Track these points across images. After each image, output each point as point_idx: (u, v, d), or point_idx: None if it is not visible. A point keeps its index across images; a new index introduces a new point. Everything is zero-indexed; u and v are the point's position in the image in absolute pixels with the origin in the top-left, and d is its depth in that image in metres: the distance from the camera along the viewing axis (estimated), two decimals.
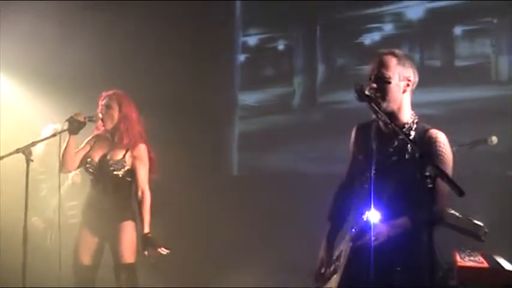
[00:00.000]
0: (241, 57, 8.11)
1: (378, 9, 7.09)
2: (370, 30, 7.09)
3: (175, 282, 6.36)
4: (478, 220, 4.53)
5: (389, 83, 3.25)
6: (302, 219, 6.13)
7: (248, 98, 8.02)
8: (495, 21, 6.38)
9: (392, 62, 3.28)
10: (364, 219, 3.27)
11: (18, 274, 4.28)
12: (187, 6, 7.55)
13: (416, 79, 3.37)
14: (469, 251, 4.50)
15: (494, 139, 4.94)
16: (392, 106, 3.26)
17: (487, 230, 4.48)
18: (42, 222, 5.95)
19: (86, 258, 4.83)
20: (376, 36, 7.06)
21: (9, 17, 6.47)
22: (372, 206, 3.22)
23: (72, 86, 6.56)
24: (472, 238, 4.50)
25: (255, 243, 6.72)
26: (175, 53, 7.50)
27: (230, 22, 8.19)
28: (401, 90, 3.28)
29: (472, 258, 4.35)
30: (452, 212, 4.44)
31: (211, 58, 7.93)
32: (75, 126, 4.61)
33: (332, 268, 3.47)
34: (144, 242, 4.71)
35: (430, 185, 2.59)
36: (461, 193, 2.48)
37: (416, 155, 2.77)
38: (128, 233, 4.81)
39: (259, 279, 6.45)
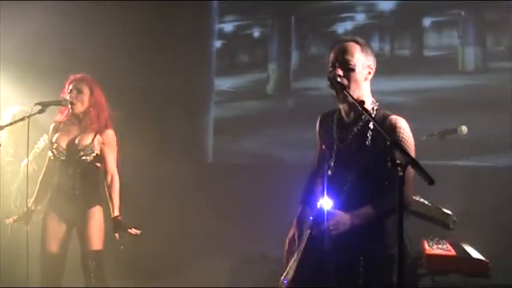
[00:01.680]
0: (217, 44, 8.05)
1: (350, 0, 7.12)
2: (342, 20, 7.09)
3: (145, 269, 6.24)
4: (446, 208, 4.50)
5: (354, 70, 3.16)
6: (274, 207, 5.97)
7: (223, 84, 7.96)
8: (462, 13, 6.43)
9: (356, 49, 3.19)
10: (318, 207, 3.20)
11: None
12: None
13: (375, 63, 3.28)
14: (437, 239, 4.47)
15: (464, 129, 4.82)
16: (356, 94, 3.14)
17: (455, 219, 4.46)
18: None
19: (54, 246, 4.64)
20: (348, 25, 7.07)
21: None
22: (325, 193, 3.16)
23: (40, 70, 6.24)
24: (441, 226, 4.48)
25: (227, 231, 6.58)
26: (151, 39, 7.41)
27: (206, 9, 8.10)
28: (364, 78, 3.20)
29: (440, 246, 4.32)
30: (422, 200, 4.40)
31: (188, 44, 7.87)
32: (43, 111, 4.43)
33: (294, 256, 3.37)
34: (115, 224, 4.56)
35: (400, 173, 2.45)
36: (431, 181, 2.37)
37: (388, 142, 2.62)
38: (96, 219, 4.65)
39: (229, 266, 6.42)
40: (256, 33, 7.88)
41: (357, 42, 3.23)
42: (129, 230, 4.52)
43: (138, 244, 4.93)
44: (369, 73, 3.24)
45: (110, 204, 4.64)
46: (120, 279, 5.14)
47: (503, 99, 5.92)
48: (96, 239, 4.61)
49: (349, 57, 3.17)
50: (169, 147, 7.72)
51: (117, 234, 4.54)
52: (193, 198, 6.89)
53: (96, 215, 4.66)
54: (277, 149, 7.34)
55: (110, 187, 4.67)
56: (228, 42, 8.06)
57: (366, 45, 3.26)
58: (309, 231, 3.25)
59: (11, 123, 4.68)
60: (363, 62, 3.20)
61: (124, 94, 6.34)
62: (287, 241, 3.50)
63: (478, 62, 6.36)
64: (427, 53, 6.65)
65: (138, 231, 4.54)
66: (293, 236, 3.48)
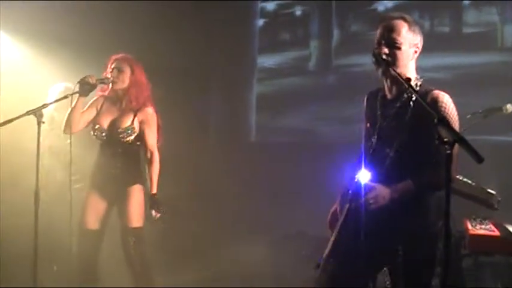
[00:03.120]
0: (260, 22, 8.07)
1: None
2: None
3: (184, 246, 6.13)
4: (490, 188, 4.27)
5: (400, 49, 3.02)
6: (315, 184, 5.94)
7: (266, 61, 8.02)
8: None
9: (404, 27, 3.03)
10: (356, 180, 3.07)
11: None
12: None
13: (422, 41, 3.10)
14: (480, 219, 4.26)
15: (510, 107, 4.52)
16: (401, 72, 2.99)
17: (500, 199, 4.23)
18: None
19: (93, 223, 4.59)
20: (388, 3, 7.00)
21: None
22: (363, 167, 3.05)
23: (83, 48, 6.17)
24: (485, 206, 4.25)
25: (268, 209, 6.56)
26: (195, 18, 7.36)
27: None
28: (410, 57, 3.06)
29: (483, 226, 4.12)
30: (465, 179, 4.20)
31: (231, 23, 7.87)
32: (86, 89, 4.37)
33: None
34: (152, 201, 4.54)
35: (448, 151, 2.32)
36: (480, 159, 2.21)
37: (435, 120, 2.44)
38: (136, 197, 4.57)
39: (270, 244, 6.35)
40: (297, 12, 7.87)
41: (405, 20, 3.08)
42: (155, 211, 4.54)
43: (177, 222, 4.93)
44: (415, 52, 3.10)
45: (149, 182, 4.61)
46: (158, 256, 5.08)
47: None
48: (136, 217, 4.54)
49: (395, 36, 3.03)
50: (212, 124, 7.78)
51: (153, 212, 4.54)
52: (234, 176, 6.86)
53: (136, 193, 4.58)
54: (319, 124, 7.35)
55: (149, 164, 4.61)
56: (270, 20, 8.06)
57: (413, 24, 3.09)
58: (347, 205, 3.14)
59: (54, 101, 4.58)
60: (409, 40, 3.06)
61: (167, 73, 6.23)
62: (329, 215, 3.41)
63: None
64: (466, 30, 6.57)
65: (158, 215, 4.56)
66: (335, 210, 3.38)
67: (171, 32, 6.86)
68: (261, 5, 8.12)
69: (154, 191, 4.58)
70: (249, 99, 8.04)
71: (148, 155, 4.63)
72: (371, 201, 2.94)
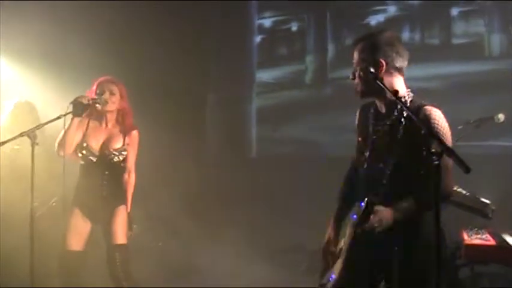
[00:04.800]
0: (258, 38, 8.11)
1: None
2: (375, 13, 7.10)
3: (182, 263, 5.95)
4: (484, 198, 4.22)
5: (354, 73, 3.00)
6: (312, 198, 5.97)
7: (264, 76, 8.05)
8: (488, 3, 6.47)
9: (355, 53, 3.01)
10: (364, 203, 2.88)
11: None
12: None
13: (393, 56, 2.94)
14: (476, 229, 4.20)
15: (501, 117, 4.50)
16: (363, 90, 2.99)
17: (494, 208, 4.17)
18: None
19: (77, 244, 4.47)
20: (380, 17, 7.09)
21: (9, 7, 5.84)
22: (370, 190, 2.91)
23: (74, 69, 6.02)
24: (479, 216, 4.20)
25: (263, 223, 6.52)
26: (195, 36, 7.43)
27: (246, 6, 8.16)
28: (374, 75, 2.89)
29: (479, 236, 4.07)
30: (459, 190, 4.13)
31: (230, 40, 7.90)
32: (79, 109, 4.25)
33: (337, 252, 3.17)
34: (129, 220, 4.52)
35: (436, 162, 2.28)
36: (467, 170, 2.18)
37: (422, 132, 2.45)
38: (121, 216, 4.49)
39: (268, 258, 6.18)
40: (293, 28, 7.89)
41: (356, 44, 3.06)
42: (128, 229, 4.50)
43: (175, 239, 4.83)
44: (380, 68, 2.94)
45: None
46: (157, 273, 5.05)
47: None
48: (121, 234, 4.47)
49: (353, 61, 3.03)
50: (212, 139, 7.80)
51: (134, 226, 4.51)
52: (233, 190, 6.84)
53: (122, 212, 4.52)
54: (317, 134, 7.37)
55: (126, 183, 4.57)
56: (267, 36, 8.09)
57: (370, 40, 3.00)
58: (353, 229, 3.02)
59: (48, 122, 4.27)
60: (365, 61, 2.96)
61: (167, 89, 6.25)
62: (325, 242, 3.28)
63: (503, 47, 6.39)
64: (455, 41, 6.65)
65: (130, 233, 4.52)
66: (329, 237, 3.28)
67: (169, 49, 6.83)
68: (258, 22, 8.15)
69: (129, 209, 4.55)
70: (249, 113, 8.08)
71: (126, 175, 4.56)
72: (376, 225, 2.82)
